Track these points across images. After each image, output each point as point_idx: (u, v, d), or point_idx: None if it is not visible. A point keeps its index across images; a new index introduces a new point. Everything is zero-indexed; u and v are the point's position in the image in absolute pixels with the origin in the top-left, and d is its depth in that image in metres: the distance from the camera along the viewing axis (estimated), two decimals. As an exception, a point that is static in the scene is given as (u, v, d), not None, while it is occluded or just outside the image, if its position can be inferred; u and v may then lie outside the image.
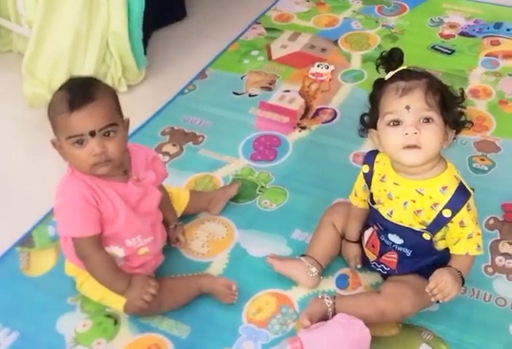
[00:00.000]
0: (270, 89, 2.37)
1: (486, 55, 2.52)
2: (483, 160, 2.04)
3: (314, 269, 1.64)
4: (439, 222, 1.44)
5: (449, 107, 1.38)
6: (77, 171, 1.45)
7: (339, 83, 2.39)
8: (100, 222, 1.45)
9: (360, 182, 1.59)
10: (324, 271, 1.68)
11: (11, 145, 2.18)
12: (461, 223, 1.43)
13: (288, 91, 2.35)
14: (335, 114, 2.25)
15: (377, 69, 1.47)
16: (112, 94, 1.44)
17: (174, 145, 2.13)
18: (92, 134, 1.37)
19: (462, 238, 1.45)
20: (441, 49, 2.56)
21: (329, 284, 1.67)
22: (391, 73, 1.42)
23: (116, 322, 1.59)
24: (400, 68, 1.42)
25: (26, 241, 1.80)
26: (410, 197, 1.45)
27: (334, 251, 1.70)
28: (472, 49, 2.56)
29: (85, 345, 1.54)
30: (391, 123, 1.38)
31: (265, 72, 2.45)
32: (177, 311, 1.60)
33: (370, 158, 1.55)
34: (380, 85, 1.43)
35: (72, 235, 1.46)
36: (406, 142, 1.36)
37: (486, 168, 2.01)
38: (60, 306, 1.62)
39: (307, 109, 2.27)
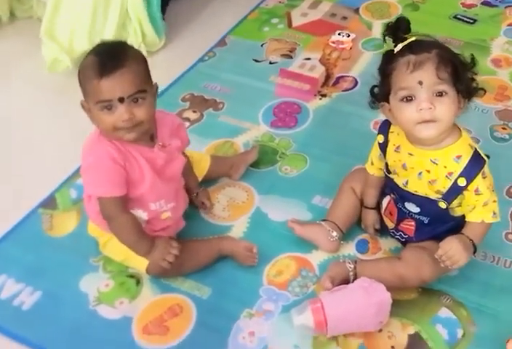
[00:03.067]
0: (290, 57, 2.36)
1: (509, 25, 2.50)
2: (504, 129, 2.03)
3: (335, 233, 1.65)
4: (454, 191, 1.44)
5: (461, 76, 1.37)
6: (105, 134, 1.45)
7: (360, 52, 2.37)
8: (126, 183, 1.46)
9: (376, 151, 1.59)
10: (344, 236, 1.69)
11: (32, 109, 2.18)
12: (476, 191, 1.42)
13: (308, 59, 2.34)
14: (356, 82, 2.24)
15: (384, 40, 1.45)
16: (142, 60, 1.44)
17: (194, 112, 2.13)
18: (121, 100, 1.37)
19: (478, 205, 1.45)
20: (463, 18, 2.54)
21: (349, 249, 1.68)
22: (400, 45, 1.39)
23: (138, 282, 1.61)
24: (409, 40, 1.39)
25: (49, 203, 1.82)
26: (425, 167, 1.45)
27: (354, 216, 1.70)
28: (494, 18, 2.54)
29: (108, 304, 1.56)
30: (405, 99, 1.37)
31: (286, 40, 2.44)
32: (198, 273, 1.61)
33: (384, 128, 1.54)
34: (390, 58, 1.41)
35: (99, 194, 1.47)
36: (421, 117, 1.35)
37: (507, 136, 2.00)
38: (82, 266, 1.64)
39: (327, 77, 2.26)
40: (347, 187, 1.71)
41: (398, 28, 1.41)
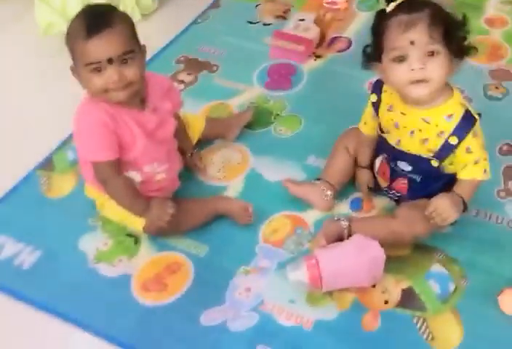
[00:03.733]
0: (284, 18, 2.36)
1: (504, -16, 2.48)
2: (497, 88, 2.04)
3: (329, 192, 1.67)
4: (446, 149, 1.46)
5: (453, 36, 1.37)
6: (93, 96, 1.46)
7: (354, 12, 2.37)
8: (118, 147, 1.47)
9: (369, 110, 1.60)
10: (339, 195, 1.71)
11: (26, 72, 2.19)
12: (467, 149, 1.44)
13: (303, 20, 2.33)
14: (350, 43, 2.24)
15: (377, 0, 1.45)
16: (128, 21, 1.44)
17: (189, 74, 2.13)
18: (110, 61, 1.37)
19: (469, 163, 1.46)
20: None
21: (344, 207, 1.71)
22: (393, 5, 1.38)
23: (137, 241, 1.63)
24: None
25: (46, 165, 1.84)
26: (416, 126, 1.46)
27: (348, 174, 1.72)
28: (489, -22, 2.52)
29: (107, 262, 1.59)
30: (396, 59, 1.37)
31: (280, 1, 2.43)
32: (195, 231, 1.64)
33: (377, 87, 1.55)
34: (382, 17, 1.40)
35: (92, 159, 1.48)
36: (413, 77, 1.36)
37: (500, 95, 2.02)
38: (81, 226, 1.67)
39: (322, 38, 2.26)
40: (341, 146, 1.72)
41: None
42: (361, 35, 2.25)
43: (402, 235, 1.55)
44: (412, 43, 1.34)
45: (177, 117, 1.65)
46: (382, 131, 1.56)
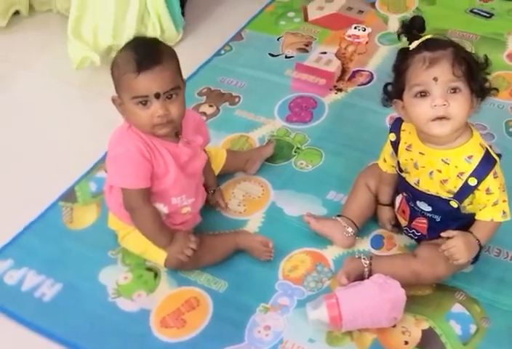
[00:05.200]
0: (306, 51, 2.37)
1: (526, 20, 2.49)
2: (520, 125, 2.04)
3: (350, 229, 1.66)
4: (465, 191, 1.45)
5: (475, 75, 1.38)
6: (134, 127, 1.48)
7: (376, 46, 2.37)
8: (150, 177, 1.48)
9: (388, 148, 1.60)
10: (359, 232, 1.70)
11: (52, 102, 2.20)
12: (487, 190, 1.43)
13: (324, 53, 2.34)
14: (372, 77, 2.24)
15: (398, 37, 1.46)
16: (175, 57, 1.47)
17: (210, 106, 2.14)
18: (157, 96, 1.40)
19: (488, 204, 1.45)
20: (479, 12, 2.52)
21: (364, 244, 1.70)
22: (416, 43, 1.40)
23: (156, 275, 1.63)
24: (424, 37, 1.40)
25: (69, 196, 1.85)
26: (436, 167, 1.46)
27: (369, 212, 1.72)
28: (511, 12, 2.52)
29: (126, 297, 1.59)
30: (419, 95, 1.37)
31: (302, 33, 2.44)
32: (214, 267, 1.64)
33: (396, 126, 1.55)
34: (404, 55, 1.42)
35: (124, 186, 1.50)
36: (435, 113, 1.36)
37: (523, 133, 2.01)
38: (101, 259, 1.67)
39: (343, 71, 2.27)
40: (362, 183, 1.72)
41: (413, 27, 1.42)
42: (382, 69, 2.25)
43: (423, 275, 1.54)
44: (435, 79, 1.34)
45: (205, 152, 1.66)
46: (401, 171, 1.55)
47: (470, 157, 1.42)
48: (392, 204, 1.68)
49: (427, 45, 1.38)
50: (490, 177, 1.42)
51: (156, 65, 1.39)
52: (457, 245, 1.44)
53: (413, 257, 1.57)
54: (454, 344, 1.49)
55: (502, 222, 1.48)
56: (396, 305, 1.47)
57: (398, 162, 1.56)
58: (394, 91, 1.46)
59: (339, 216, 1.70)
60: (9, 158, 1.99)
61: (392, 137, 1.55)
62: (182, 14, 2.41)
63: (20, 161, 1.98)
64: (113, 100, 1.48)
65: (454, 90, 1.35)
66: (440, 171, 1.45)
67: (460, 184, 1.44)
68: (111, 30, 2.21)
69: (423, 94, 1.37)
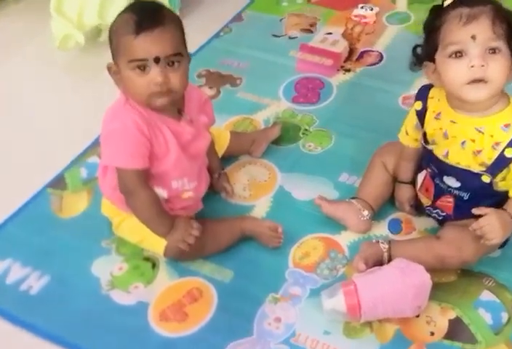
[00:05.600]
0: (311, 32, 2.24)
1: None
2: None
3: (366, 212, 1.53)
4: (501, 163, 1.32)
5: None
6: (132, 100, 1.34)
7: (384, 26, 2.25)
8: (149, 157, 1.35)
9: (411, 120, 1.47)
10: (376, 215, 1.57)
11: (40, 86, 2.10)
12: None
13: (330, 33, 2.21)
14: (381, 57, 2.12)
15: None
16: (179, 23, 1.34)
17: (210, 88, 2.02)
18: (157, 60, 1.27)
19: None
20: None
21: (381, 229, 1.57)
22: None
23: (154, 265, 1.50)
24: None
25: (58, 182, 1.72)
26: (469, 136, 1.33)
27: (386, 193, 1.58)
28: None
29: (122, 289, 1.46)
30: (454, 55, 1.25)
31: (305, 14, 2.32)
32: (218, 255, 1.51)
33: (423, 93, 1.43)
34: (438, 12, 1.30)
35: (119, 165, 1.36)
36: (473, 75, 1.24)
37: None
38: (94, 249, 1.54)
39: (351, 51, 2.14)
40: (378, 162, 1.59)
41: None
42: (392, 48, 2.15)
43: (448, 259, 1.40)
44: (473, 37, 1.22)
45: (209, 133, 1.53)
46: (427, 143, 1.42)
47: (507, 125, 1.29)
48: (412, 183, 1.54)
49: (464, 0, 1.25)
50: None
51: (158, 26, 1.26)
52: (490, 223, 1.30)
53: (437, 239, 1.43)
54: (484, 334, 1.35)
55: None
56: (421, 291, 1.34)
57: (425, 134, 1.42)
58: (425, 52, 1.34)
59: (353, 198, 1.56)
60: (-6, 143, 1.87)
61: (418, 105, 1.42)
62: (179, -6, 2.29)
63: (6, 147, 1.86)
64: (109, 68, 1.35)
65: (494, 50, 1.23)
66: (473, 141, 1.32)
67: (495, 155, 1.31)
68: (97, 8, 2.09)
69: (459, 54, 1.24)
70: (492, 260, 1.47)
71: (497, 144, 1.30)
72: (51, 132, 1.90)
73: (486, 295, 1.42)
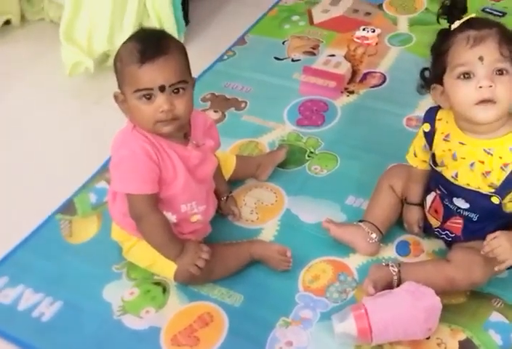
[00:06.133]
0: (313, 54, 2.26)
1: (539, 17, 2.39)
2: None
3: (374, 235, 1.54)
4: (509, 184, 1.33)
5: None
6: (139, 127, 1.36)
7: (386, 47, 2.27)
8: (158, 181, 1.37)
9: (420, 141, 1.48)
10: (384, 238, 1.58)
11: (47, 112, 2.10)
12: None
13: (333, 55, 2.24)
14: (384, 78, 2.13)
15: (437, 20, 1.36)
16: (183, 50, 1.36)
17: (215, 111, 2.03)
18: (162, 89, 1.29)
19: None
20: (491, 11, 2.43)
21: (389, 251, 1.57)
22: (458, 22, 1.30)
23: (165, 290, 1.50)
24: (468, 16, 1.30)
25: (67, 208, 1.73)
26: (478, 157, 1.34)
27: (394, 216, 1.59)
28: (523, 11, 2.43)
29: (133, 314, 1.46)
30: (462, 76, 1.27)
31: (308, 37, 2.34)
32: (228, 279, 1.51)
33: (431, 115, 1.44)
34: (446, 35, 1.32)
35: (130, 191, 1.37)
36: (481, 95, 1.26)
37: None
38: (105, 274, 1.54)
39: (354, 73, 2.16)
40: (385, 184, 1.60)
41: (454, 6, 1.32)
42: (394, 70, 2.16)
43: (458, 281, 1.41)
44: (480, 58, 1.24)
45: (216, 157, 1.55)
46: (436, 164, 1.43)
47: None
48: (421, 204, 1.55)
49: (471, 24, 1.28)
50: None
51: (161, 55, 1.28)
52: (502, 244, 1.32)
53: (446, 262, 1.44)
54: (495, 355, 1.35)
55: None
56: (431, 314, 1.34)
57: (434, 155, 1.43)
58: (433, 75, 1.37)
59: (361, 221, 1.57)
60: (3, 170, 1.88)
61: (426, 127, 1.43)
62: (185, 19, 2.31)
63: (15, 174, 1.86)
64: (115, 97, 1.36)
65: (501, 72, 1.25)
66: (482, 163, 1.34)
67: (504, 176, 1.32)
68: (107, 34, 2.11)
69: (467, 75, 1.27)
70: (500, 281, 1.47)
71: (506, 165, 1.32)
72: (59, 158, 1.91)
73: (496, 316, 1.42)
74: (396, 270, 1.44)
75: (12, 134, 2.02)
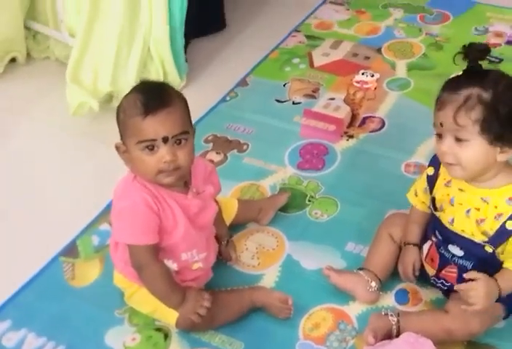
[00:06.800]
0: (314, 97, 2.30)
1: (535, 64, 2.44)
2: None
3: (374, 283, 1.56)
4: (501, 235, 1.36)
5: (493, 125, 1.26)
6: (139, 177, 1.38)
7: (385, 92, 2.31)
8: (158, 231, 1.38)
9: (421, 183, 1.52)
10: (383, 286, 1.59)
11: (50, 152, 2.12)
12: None
13: (333, 99, 2.28)
14: (383, 123, 2.17)
15: (454, 61, 1.34)
16: (184, 102, 1.39)
17: (218, 153, 2.06)
18: (165, 140, 1.31)
19: None
20: (488, 58, 2.46)
21: (388, 300, 1.59)
22: (452, 75, 1.32)
23: (167, 336, 1.51)
24: (453, 75, 1.31)
25: (70, 251, 1.74)
26: (474, 205, 1.37)
27: (393, 264, 1.61)
28: (519, 57, 2.49)
29: (136, 361, 1.47)
30: (435, 136, 1.34)
31: (308, 80, 2.39)
32: (229, 326, 1.52)
33: (436, 160, 1.46)
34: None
35: (131, 242, 1.39)
36: (444, 159, 1.34)
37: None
38: (107, 318, 1.55)
39: (353, 117, 2.20)
40: (384, 233, 1.63)
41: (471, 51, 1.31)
42: (393, 115, 2.20)
43: (456, 332, 1.43)
44: (441, 124, 1.30)
45: (216, 202, 1.56)
46: (436, 209, 1.46)
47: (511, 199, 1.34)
48: (418, 246, 1.57)
49: (452, 82, 1.30)
50: None
51: (164, 107, 1.31)
52: (478, 289, 1.34)
53: (444, 313, 1.46)
54: None
55: None
56: (430, 365, 1.36)
57: (434, 199, 1.47)
58: None
59: (360, 269, 1.59)
60: (6, 210, 1.89)
61: (430, 170, 1.47)
62: (185, 60, 2.35)
63: (18, 214, 1.87)
64: (117, 148, 1.38)
65: (460, 139, 1.29)
66: (478, 210, 1.37)
67: (497, 226, 1.35)
68: (110, 76, 2.15)
69: (438, 137, 1.33)
70: (497, 331, 1.50)
71: (500, 215, 1.34)
72: (62, 199, 1.92)
73: (494, 367, 1.45)
74: (395, 319, 1.46)
75: (14, 172, 2.04)
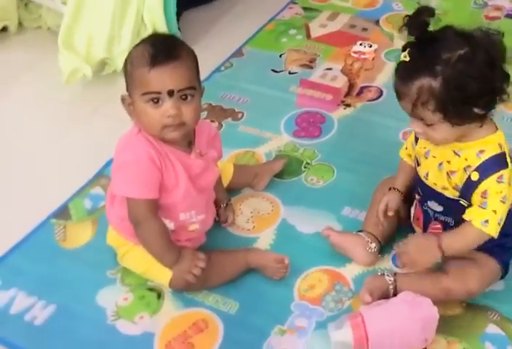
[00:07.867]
0: (310, 67, 2.27)
1: (534, 37, 2.42)
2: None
3: (373, 245, 1.54)
4: (468, 187, 1.33)
5: (457, 106, 1.23)
6: (144, 131, 1.35)
7: (383, 62, 2.29)
8: (159, 188, 1.36)
9: (411, 137, 1.52)
10: (381, 249, 1.57)
11: (43, 118, 2.09)
12: (483, 193, 1.31)
13: (330, 69, 2.25)
14: (381, 92, 2.15)
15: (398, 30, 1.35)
16: (194, 57, 1.36)
17: (212, 121, 2.03)
18: (170, 93, 1.28)
19: (476, 205, 1.33)
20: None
21: (385, 262, 1.57)
22: (403, 54, 1.29)
23: (160, 296, 1.49)
24: (403, 55, 1.29)
25: (62, 213, 1.71)
26: (446, 157, 1.37)
27: (391, 227, 1.59)
28: (519, 30, 2.46)
29: (127, 319, 1.45)
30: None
31: (305, 50, 2.36)
32: (223, 286, 1.50)
33: None
34: None
35: (131, 195, 1.36)
36: (419, 136, 1.40)
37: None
38: (99, 279, 1.53)
39: (350, 87, 2.17)
40: (380, 196, 1.59)
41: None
42: (391, 85, 2.15)
43: (454, 291, 1.41)
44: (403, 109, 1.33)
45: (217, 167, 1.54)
46: (418, 163, 1.46)
47: (481, 151, 1.32)
48: (405, 196, 1.56)
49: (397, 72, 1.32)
50: (493, 178, 1.30)
51: (173, 60, 1.28)
52: (409, 252, 1.40)
53: (442, 273, 1.44)
54: (491, 367, 1.35)
55: (480, 236, 1.34)
56: (428, 324, 1.34)
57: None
58: None
59: (360, 231, 1.57)
60: (-2, 174, 1.86)
61: None
62: (178, 28, 2.32)
63: (10, 178, 1.84)
64: (123, 99, 1.36)
65: (428, 124, 1.29)
66: (449, 162, 1.36)
67: (465, 178, 1.33)
68: (105, 43, 2.11)
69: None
70: (495, 293, 1.48)
71: (468, 167, 1.33)
72: (55, 163, 1.89)
73: (492, 328, 1.43)
74: (392, 279, 1.44)
75: (8, 139, 2.01)
